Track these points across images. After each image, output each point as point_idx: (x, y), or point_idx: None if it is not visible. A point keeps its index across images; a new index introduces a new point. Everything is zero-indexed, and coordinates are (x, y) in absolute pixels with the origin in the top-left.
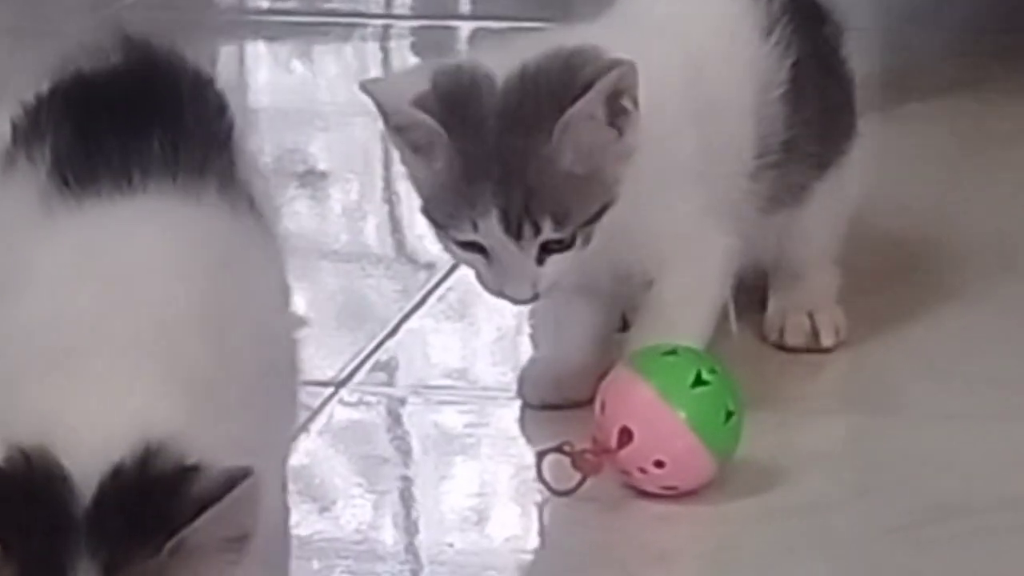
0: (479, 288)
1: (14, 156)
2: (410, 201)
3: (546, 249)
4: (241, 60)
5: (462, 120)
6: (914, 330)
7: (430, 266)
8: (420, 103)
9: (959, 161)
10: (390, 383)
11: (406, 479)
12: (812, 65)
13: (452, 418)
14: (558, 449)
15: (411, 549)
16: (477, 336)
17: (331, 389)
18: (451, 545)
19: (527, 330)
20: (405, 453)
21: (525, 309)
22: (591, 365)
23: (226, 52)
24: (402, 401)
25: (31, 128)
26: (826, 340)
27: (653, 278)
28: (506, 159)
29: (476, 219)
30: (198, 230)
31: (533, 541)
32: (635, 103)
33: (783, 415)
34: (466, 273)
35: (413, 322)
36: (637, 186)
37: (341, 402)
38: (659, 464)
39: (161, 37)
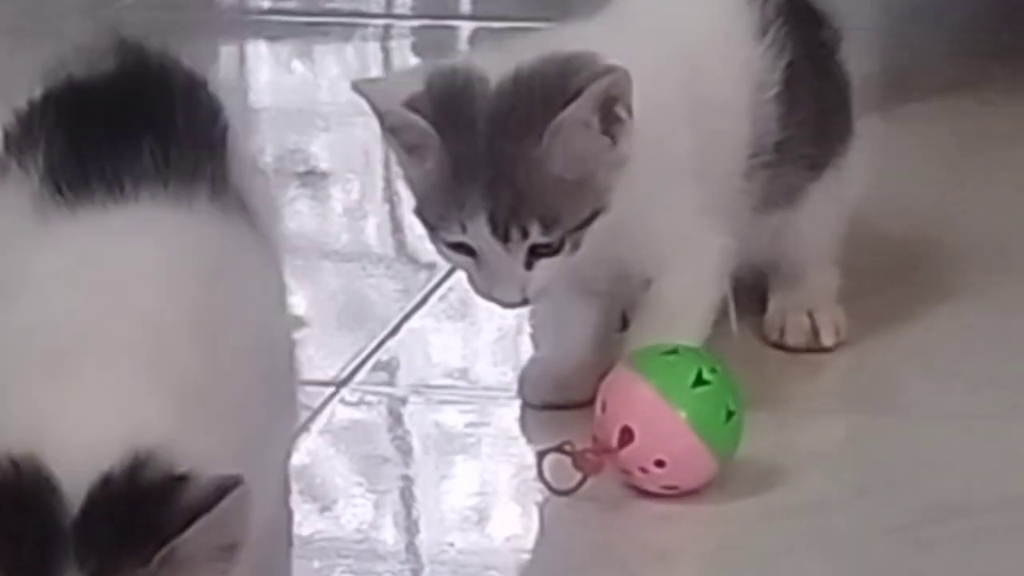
0: None
1: (6, 163)
2: (411, 201)
3: (535, 253)
4: (242, 60)
5: (454, 122)
6: (914, 330)
7: (431, 266)
8: (412, 104)
9: (959, 161)
10: (391, 383)
11: (407, 479)
12: (807, 67)
13: (453, 418)
14: (559, 449)
15: (412, 549)
16: (478, 336)
17: (332, 389)
18: (452, 545)
19: (528, 330)
20: (406, 453)
21: (525, 309)
22: (591, 365)
23: (227, 52)
24: (403, 401)
25: (23, 135)
26: (826, 340)
27: (651, 277)
28: (495, 161)
29: (464, 221)
30: (190, 237)
31: (534, 541)
32: (629, 111)
33: (783, 415)
34: None
35: (414, 322)
36: (635, 186)
37: (342, 402)
38: (660, 464)
39: (155, 39)
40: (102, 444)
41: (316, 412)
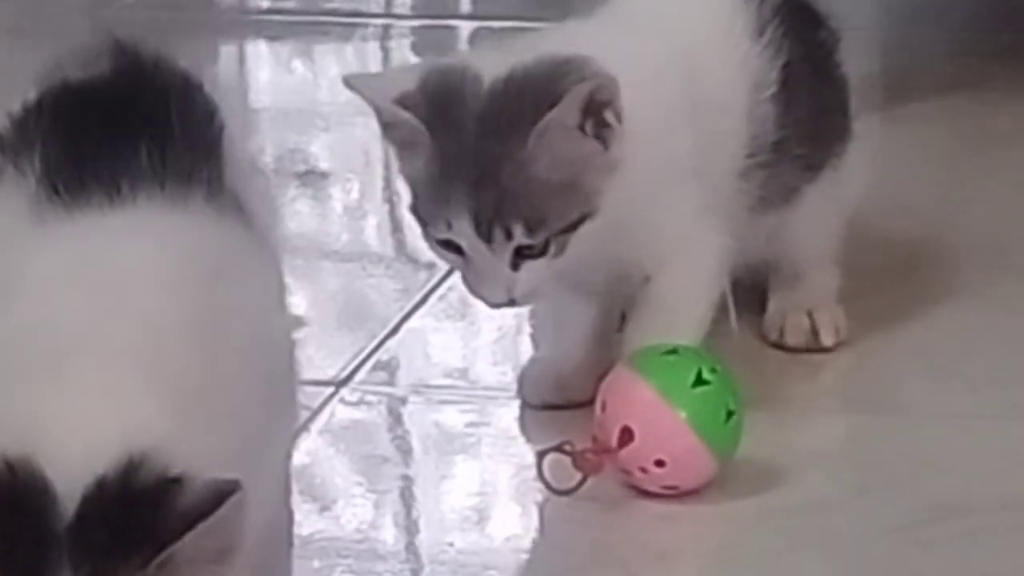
0: None
1: (2, 166)
2: (409, 199)
3: (521, 255)
4: (242, 60)
5: (444, 119)
6: (914, 330)
7: (431, 266)
8: (403, 101)
9: (959, 161)
10: (391, 382)
11: (407, 478)
12: (804, 68)
13: (453, 417)
14: (559, 449)
15: (412, 548)
16: (478, 336)
17: (332, 388)
18: (452, 544)
19: (528, 330)
20: (406, 452)
21: (524, 310)
22: (591, 365)
23: (227, 52)
24: (403, 400)
25: (19, 138)
26: (826, 339)
27: (650, 275)
28: (481, 161)
29: (450, 218)
30: (187, 238)
31: (534, 541)
32: (618, 117)
33: (783, 415)
34: None
35: (414, 321)
36: (634, 186)
37: (342, 401)
38: (660, 463)
39: (153, 39)
40: (97, 446)
41: (316, 412)
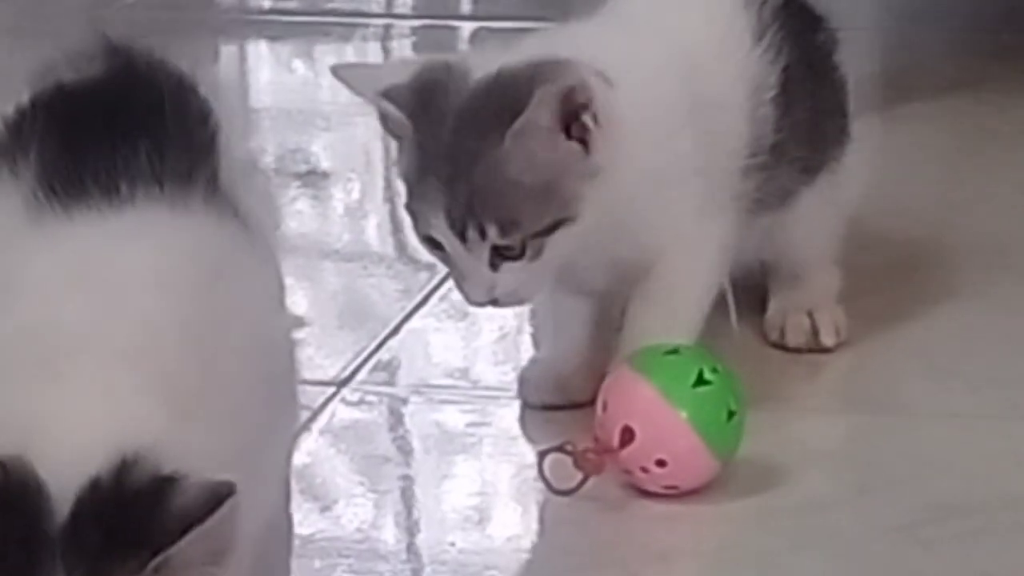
0: None
1: None
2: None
3: (500, 255)
4: (242, 60)
5: (428, 115)
6: (914, 330)
7: (432, 266)
8: (389, 94)
9: (959, 161)
10: (392, 382)
11: (407, 478)
12: (803, 71)
13: (453, 417)
14: (560, 448)
15: (412, 548)
16: (478, 336)
17: (333, 388)
18: (452, 544)
19: (528, 330)
20: (407, 452)
21: (524, 310)
22: (591, 365)
23: (227, 52)
24: (404, 400)
25: (13, 140)
26: (826, 339)
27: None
28: (456, 158)
29: (429, 214)
30: (183, 239)
31: (534, 540)
32: (596, 120)
33: (784, 414)
34: None
35: (415, 322)
36: (635, 186)
37: (343, 401)
38: (661, 463)
39: (152, 39)
40: (91, 447)
41: (317, 412)
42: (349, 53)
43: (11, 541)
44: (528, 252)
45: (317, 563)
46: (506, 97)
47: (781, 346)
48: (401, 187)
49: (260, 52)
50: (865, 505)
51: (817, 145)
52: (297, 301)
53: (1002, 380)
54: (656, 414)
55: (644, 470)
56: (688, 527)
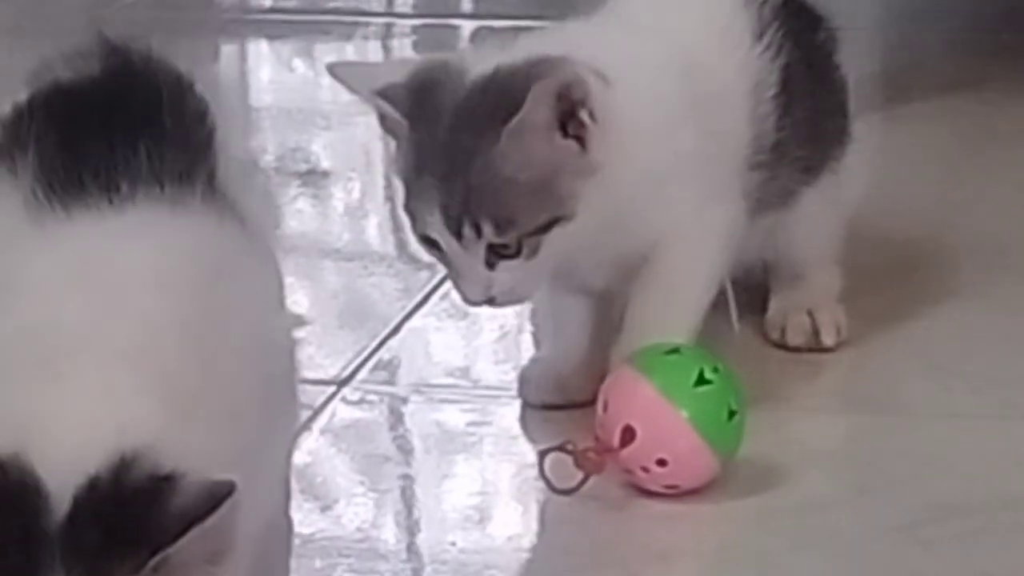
0: None
1: None
2: None
3: (496, 254)
4: (243, 59)
5: (424, 113)
6: (915, 329)
7: (432, 265)
8: (385, 93)
9: (960, 160)
10: (392, 382)
11: (408, 478)
12: (803, 70)
13: (454, 417)
14: (560, 448)
15: (413, 548)
16: (479, 335)
17: (333, 388)
18: (453, 544)
19: (529, 329)
20: (407, 452)
21: (525, 309)
22: (592, 365)
23: (228, 51)
24: (404, 400)
25: (12, 139)
26: (827, 339)
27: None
28: (451, 155)
29: (425, 213)
30: (182, 239)
31: (535, 540)
32: (592, 116)
33: (784, 414)
34: None
35: (415, 321)
36: (635, 184)
37: (343, 401)
38: (661, 463)
39: (151, 39)
40: (89, 445)
41: (317, 411)
42: (350, 52)
43: (9, 540)
44: (524, 250)
45: (318, 562)
46: (502, 95)
47: (782, 346)
48: (399, 186)
49: (260, 51)
50: (865, 505)
51: (818, 145)
52: (298, 300)
53: (1002, 380)
54: (657, 414)
55: (645, 470)
56: (688, 527)
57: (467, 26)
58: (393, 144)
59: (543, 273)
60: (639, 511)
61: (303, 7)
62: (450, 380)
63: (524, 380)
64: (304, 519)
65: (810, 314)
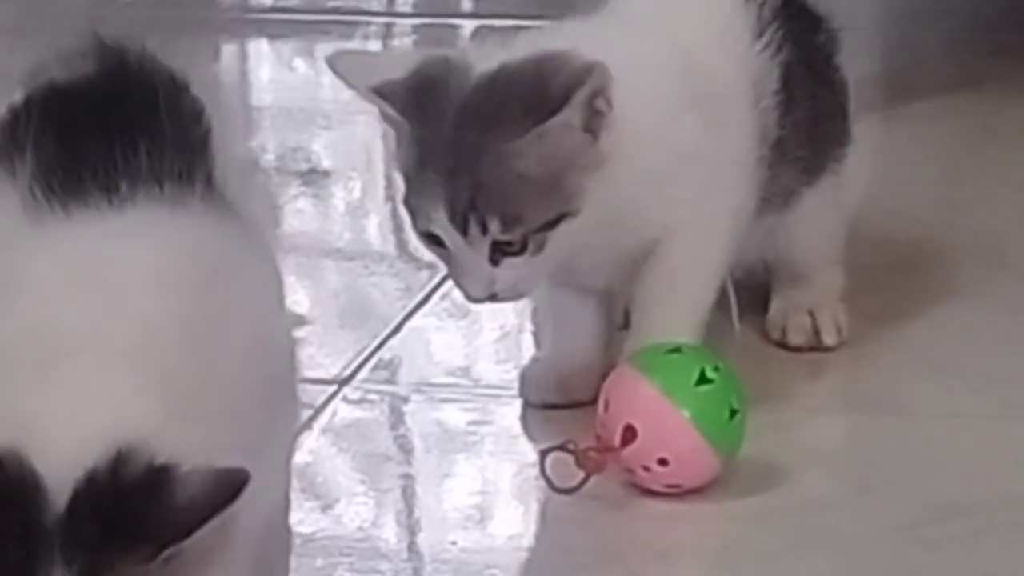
0: None
1: None
2: None
3: (500, 251)
4: (243, 58)
5: (426, 109)
6: (916, 329)
7: (433, 264)
8: (381, 88)
9: (960, 160)
10: (393, 381)
11: (408, 477)
12: (803, 71)
13: (455, 416)
14: (561, 447)
15: (413, 547)
16: (480, 334)
17: (334, 387)
18: (454, 543)
19: (529, 328)
20: (408, 451)
21: (525, 308)
22: (593, 364)
23: (228, 50)
24: (405, 399)
25: (8, 140)
26: (828, 339)
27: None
28: (459, 152)
29: (428, 209)
30: (181, 239)
31: (536, 539)
32: (609, 104)
33: (785, 414)
34: None
35: (416, 320)
36: (636, 184)
37: (344, 400)
38: (663, 462)
39: (146, 39)
40: (86, 440)
41: (318, 410)
42: None
43: (8, 534)
44: (531, 247)
45: (319, 561)
46: (511, 92)
47: (783, 345)
48: (400, 183)
49: (261, 50)
50: (866, 504)
51: (818, 146)
52: (298, 300)
53: (1002, 380)
54: (658, 413)
55: (646, 469)
56: (689, 526)
57: (467, 25)
58: (393, 142)
59: (546, 269)
60: (640, 510)
61: (304, 6)
62: (451, 379)
63: (525, 380)
64: (305, 518)
65: (811, 314)
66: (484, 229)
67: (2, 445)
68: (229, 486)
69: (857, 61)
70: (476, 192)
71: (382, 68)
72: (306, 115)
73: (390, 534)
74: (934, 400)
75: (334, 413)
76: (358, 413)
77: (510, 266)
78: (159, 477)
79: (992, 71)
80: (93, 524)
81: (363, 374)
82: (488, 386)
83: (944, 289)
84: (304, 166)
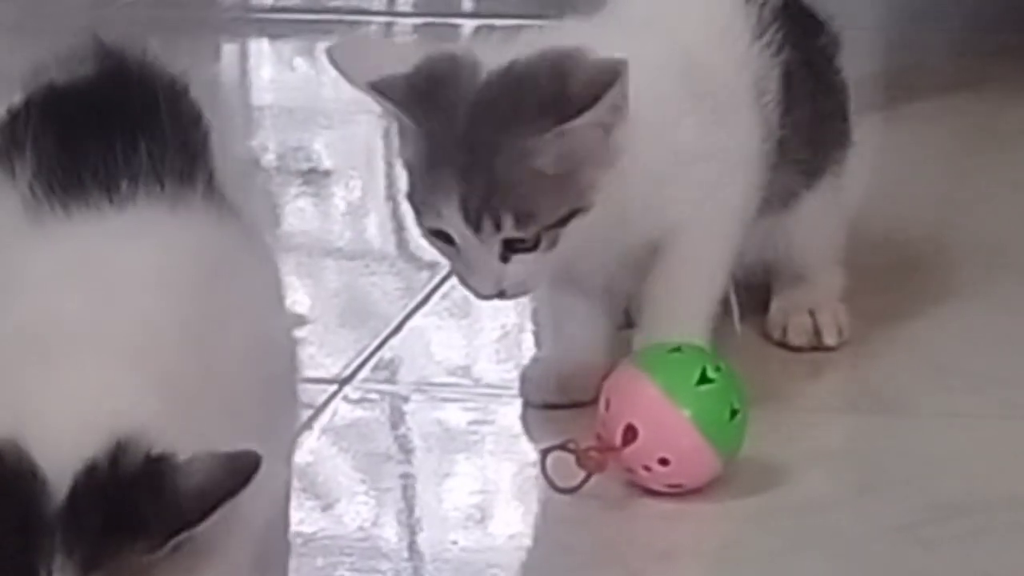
0: None
1: None
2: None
3: (511, 247)
4: (244, 58)
5: (434, 106)
6: (917, 329)
7: (433, 264)
8: (380, 85)
9: (962, 160)
10: (393, 381)
11: (409, 476)
12: (804, 73)
13: (455, 415)
14: (562, 447)
15: (414, 547)
16: (480, 334)
17: (334, 387)
18: (454, 543)
19: (530, 328)
20: (408, 451)
21: (526, 308)
22: (594, 364)
23: (229, 50)
24: (405, 399)
25: (8, 139)
26: (829, 339)
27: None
28: (473, 148)
29: (440, 205)
30: (179, 238)
31: (536, 539)
32: (626, 99)
33: (786, 414)
34: None
35: (416, 320)
36: (635, 184)
37: (344, 399)
38: (664, 462)
39: (137, 43)
40: (84, 432)
41: (318, 410)
42: None
43: (7, 525)
44: (543, 244)
45: (319, 561)
46: (526, 90)
47: (783, 345)
48: (403, 179)
49: (262, 50)
50: (866, 505)
51: (818, 148)
52: (299, 299)
53: (1003, 380)
54: (659, 412)
55: (647, 469)
56: (690, 526)
57: (468, 25)
58: (396, 143)
59: (555, 265)
60: (641, 510)
61: (304, 6)
62: (451, 379)
63: (525, 380)
64: (306, 518)
65: (812, 314)
66: (498, 226)
67: (0, 437)
68: (240, 470)
69: (858, 61)
70: (492, 189)
71: (383, 62)
72: (307, 115)
73: (391, 534)
74: (934, 400)
75: (334, 413)
76: (359, 413)
77: (520, 263)
78: (159, 467)
79: (993, 71)
80: (94, 514)
81: (364, 374)
82: (489, 386)
83: (944, 289)
84: (305, 166)
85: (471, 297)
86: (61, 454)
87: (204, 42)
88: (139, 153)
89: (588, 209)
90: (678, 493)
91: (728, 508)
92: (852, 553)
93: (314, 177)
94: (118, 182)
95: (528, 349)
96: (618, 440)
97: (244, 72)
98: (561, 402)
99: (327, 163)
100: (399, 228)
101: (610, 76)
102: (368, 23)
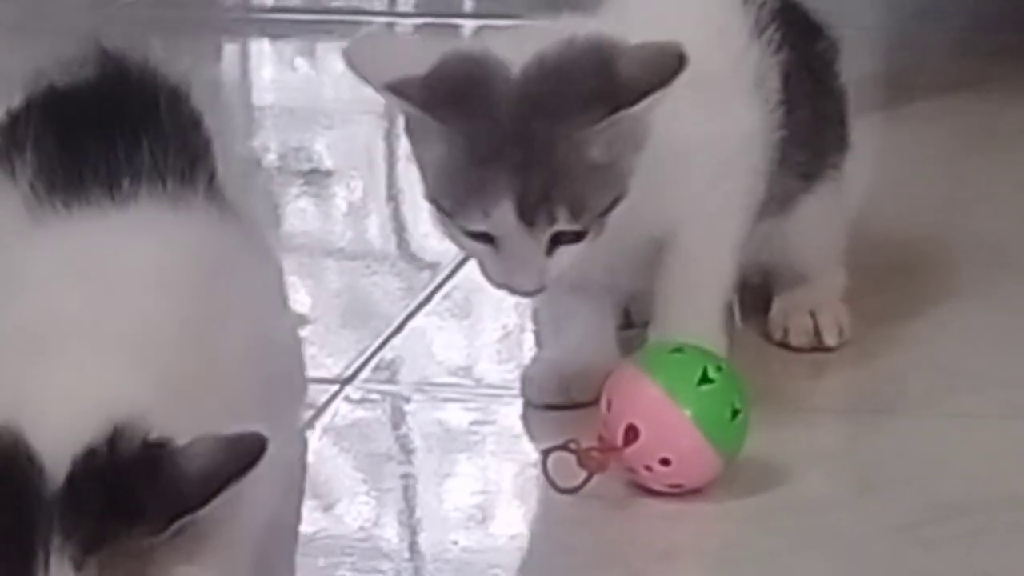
0: (483, 286)
1: None
2: (414, 199)
3: (556, 240)
4: (245, 58)
5: (467, 106)
6: (916, 329)
7: (434, 264)
8: (399, 86)
9: (961, 160)
10: (394, 381)
11: (410, 477)
12: (802, 75)
13: (456, 416)
14: (563, 447)
15: (415, 547)
16: (481, 334)
17: (336, 387)
18: (455, 543)
19: (531, 328)
20: (409, 451)
21: (527, 308)
22: (595, 365)
23: (230, 50)
24: (406, 399)
25: (9, 139)
26: (829, 339)
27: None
28: (528, 145)
29: (487, 207)
30: (180, 236)
31: (537, 539)
32: None
33: (787, 414)
34: (470, 271)
35: (417, 320)
36: (641, 179)
37: (345, 400)
38: (665, 462)
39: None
40: (81, 418)
41: (320, 410)
42: None
43: (4, 508)
44: (592, 233)
45: (320, 561)
46: (573, 79)
47: (784, 346)
48: (408, 190)
49: (263, 50)
50: (866, 505)
51: (816, 151)
52: (300, 299)
53: (1004, 380)
54: (660, 412)
55: (648, 468)
56: (691, 526)
57: (469, 25)
58: (397, 143)
59: (588, 254)
60: (642, 510)
61: (305, 6)
62: (452, 379)
63: (527, 380)
64: (306, 518)
65: (812, 314)
66: (552, 220)
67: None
68: (244, 453)
69: (858, 61)
70: (550, 183)
71: (402, 62)
72: (308, 115)
73: (392, 534)
74: (935, 400)
75: (336, 413)
76: (360, 413)
77: (564, 255)
78: (156, 451)
79: (993, 71)
80: (92, 497)
81: (365, 374)
82: (490, 386)
83: (945, 289)
84: (306, 166)
85: (472, 297)
86: (58, 439)
87: (205, 42)
88: (141, 152)
89: (626, 195)
90: (679, 493)
91: (728, 508)
92: (852, 553)
93: (315, 177)
94: (120, 180)
95: (529, 349)
96: (619, 440)
97: (245, 72)
98: (562, 402)
99: (328, 163)
100: (400, 228)
101: (676, 61)
102: (369, 23)
